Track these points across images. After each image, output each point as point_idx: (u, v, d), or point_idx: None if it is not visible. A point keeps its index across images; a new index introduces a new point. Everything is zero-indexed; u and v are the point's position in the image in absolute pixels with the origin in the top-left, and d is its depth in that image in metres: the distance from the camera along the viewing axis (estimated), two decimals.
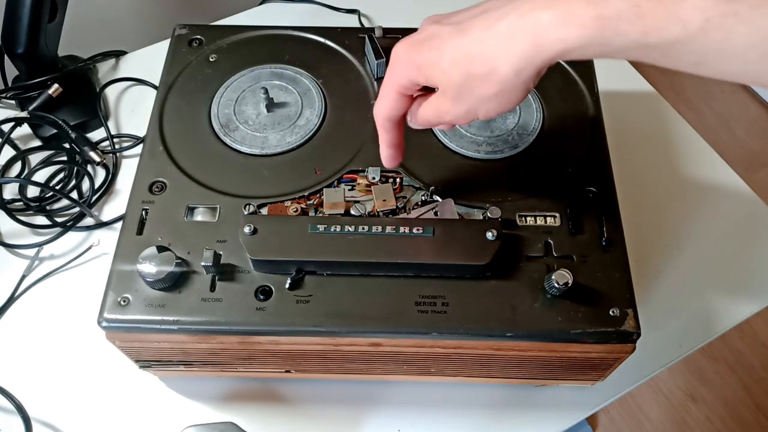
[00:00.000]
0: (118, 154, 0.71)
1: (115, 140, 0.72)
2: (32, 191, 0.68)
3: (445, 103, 0.40)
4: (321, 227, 0.47)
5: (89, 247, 0.65)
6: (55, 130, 0.70)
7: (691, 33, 0.31)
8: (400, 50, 0.41)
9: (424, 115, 0.43)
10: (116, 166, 0.70)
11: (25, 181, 0.68)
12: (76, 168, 0.69)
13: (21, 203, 0.67)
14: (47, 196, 0.67)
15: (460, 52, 0.37)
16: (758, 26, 0.30)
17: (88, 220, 0.66)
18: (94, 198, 0.67)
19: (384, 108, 0.44)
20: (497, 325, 0.46)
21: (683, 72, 0.34)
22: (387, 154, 0.47)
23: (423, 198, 0.51)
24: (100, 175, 0.70)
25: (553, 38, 0.34)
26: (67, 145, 0.70)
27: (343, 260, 0.46)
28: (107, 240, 0.65)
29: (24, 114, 0.70)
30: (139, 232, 0.49)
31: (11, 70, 0.74)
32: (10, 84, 0.75)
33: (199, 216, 0.51)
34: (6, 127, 0.69)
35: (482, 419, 0.57)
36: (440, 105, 0.41)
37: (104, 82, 0.77)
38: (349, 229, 0.47)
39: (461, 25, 0.38)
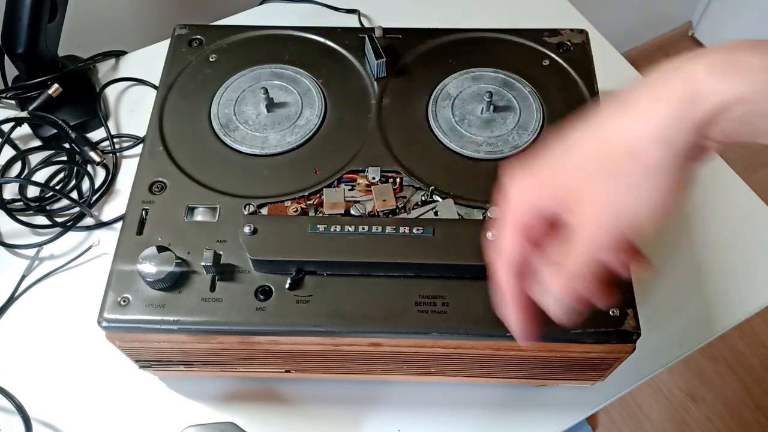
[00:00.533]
0: (118, 154, 0.71)
1: (115, 140, 0.72)
2: (32, 191, 0.68)
3: (592, 218, 0.31)
4: (321, 227, 0.47)
5: (89, 247, 0.65)
6: (55, 130, 0.70)
7: None
8: (514, 177, 0.33)
9: (577, 261, 0.32)
10: (116, 166, 0.70)
11: (25, 181, 0.68)
12: (76, 168, 0.69)
13: (21, 203, 0.67)
14: (47, 196, 0.67)
15: (590, 137, 0.31)
16: None
17: (88, 220, 0.66)
18: (94, 198, 0.67)
19: (510, 254, 0.33)
20: (497, 325, 0.46)
21: None
22: (519, 319, 0.35)
23: (423, 198, 0.51)
24: (100, 175, 0.70)
25: (708, 90, 0.28)
26: (67, 145, 0.70)
27: (343, 260, 0.46)
28: (107, 240, 0.65)
29: (24, 114, 0.70)
30: (139, 232, 0.49)
31: (11, 70, 0.74)
32: (10, 84, 0.75)
33: (199, 216, 0.51)
34: (6, 127, 0.69)
35: (482, 419, 0.57)
36: (589, 224, 0.31)
37: (104, 82, 0.77)
38: (349, 229, 0.47)
39: (590, 121, 0.31)
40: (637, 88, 0.30)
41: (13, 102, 0.74)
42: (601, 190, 0.30)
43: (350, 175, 0.52)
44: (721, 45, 0.29)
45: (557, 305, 0.33)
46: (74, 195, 0.68)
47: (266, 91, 0.56)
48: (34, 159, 0.70)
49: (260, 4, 0.86)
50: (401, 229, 0.46)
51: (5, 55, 0.71)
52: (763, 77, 0.27)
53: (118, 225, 0.63)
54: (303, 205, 0.51)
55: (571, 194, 0.31)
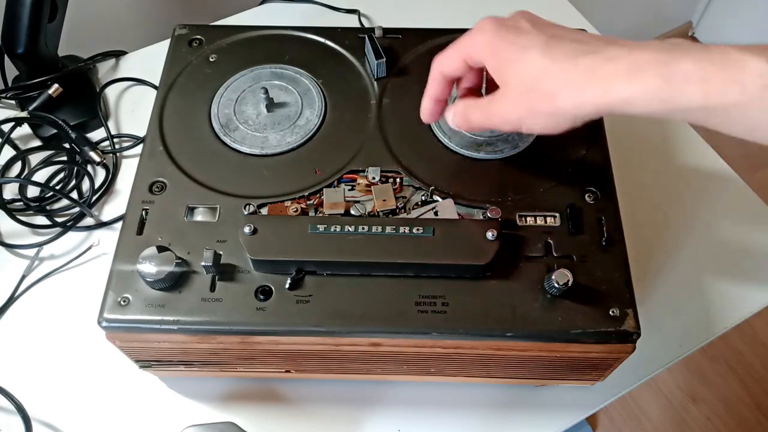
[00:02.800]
0: (118, 154, 0.71)
1: (115, 140, 0.72)
2: (32, 191, 0.68)
3: (501, 104, 0.42)
4: (321, 227, 0.47)
5: (89, 247, 0.65)
6: (55, 130, 0.70)
7: (749, 97, 0.33)
8: (488, 25, 0.41)
9: (471, 115, 0.44)
10: (116, 166, 0.70)
11: (25, 181, 0.68)
12: (76, 168, 0.69)
13: (21, 203, 0.67)
14: (47, 196, 0.67)
15: (540, 64, 0.39)
16: None
17: (88, 220, 0.66)
18: (94, 198, 0.67)
19: (446, 64, 0.45)
20: (497, 325, 0.46)
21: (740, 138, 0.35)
22: (428, 107, 0.48)
23: (423, 198, 0.51)
24: (100, 175, 0.70)
25: (620, 90, 0.36)
26: (67, 145, 0.70)
27: (343, 260, 0.46)
28: (107, 240, 0.65)
29: (24, 114, 0.70)
30: (139, 232, 0.49)
31: (11, 70, 0.74)
32: (10, 84, 0.75)
33: (199, 216, 0.51)
34: (6, 127, 0.69)
35: (482, 419, 0.57)
36: (494, 106, 0.42)
37: (104, 82, 0.77)
38: (349, 229, 0.47)
39: (552, 40, 0.39)
40: (590, 46, 0.38)
41: (13, 102, 0.74)
42: (518, 99, 0.40)
43: (350, 175, 0.52)
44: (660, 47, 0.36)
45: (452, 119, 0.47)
46: (74, 195, 0.68)
47: (266, 91, 0.56)
48: (34, 159, 0.70)
49: (260, 4, 0.86)
50: (401, 229, 0.46)
51: (5, 55, 0.71)
52: (661, 83, 0.35)
53: (118, 225, 0.63)
54: (303, 205, 0.51)
55: (501, 80, 0.41)
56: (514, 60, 0.40)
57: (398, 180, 0.52)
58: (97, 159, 0.69)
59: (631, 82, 0.36)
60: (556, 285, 0.45)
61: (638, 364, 0.58)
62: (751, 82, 0.33)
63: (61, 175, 0.69)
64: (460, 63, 0.44)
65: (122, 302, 0.46)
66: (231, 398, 0.57)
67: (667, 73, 0.35)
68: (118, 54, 0.80)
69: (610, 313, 0.46)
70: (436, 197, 0.51)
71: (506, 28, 0.41)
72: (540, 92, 0.39)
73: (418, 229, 0.46)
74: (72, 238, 0.66)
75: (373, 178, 0.52)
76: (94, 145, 0.70)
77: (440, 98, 0.48)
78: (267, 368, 0.52)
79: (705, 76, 0.34)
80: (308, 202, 0.51)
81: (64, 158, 0.70)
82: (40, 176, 0.69)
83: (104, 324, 0.46)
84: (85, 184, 0.69)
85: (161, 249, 0.46)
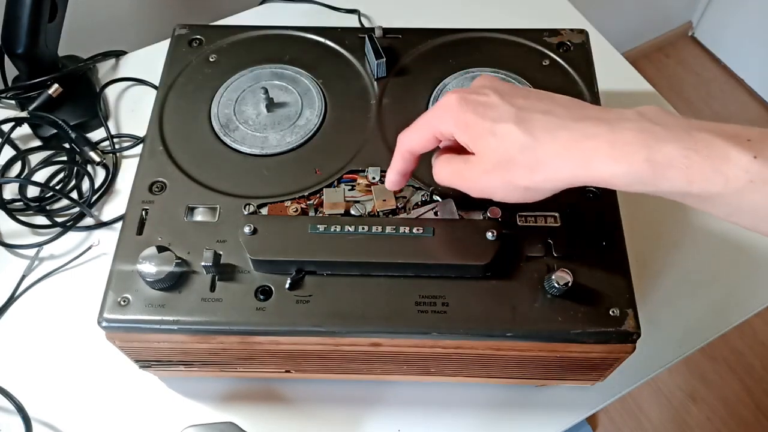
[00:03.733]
0: (118, 154, 0.71)
1: (115, 140, 0.72)
2: (32, 191, 0.68)
3: (473, 171, 0.41)
4: (321, 227, 0.47)
5: (89, 247, 0.65)
6: (55, 130, 0.70)
7: (732, 190, 0.33)
8: (453, 100, 0.41)
9: (445, 173, 0.43)
10: (116, 166, 0.70)
11: (25, 181, 0.68)
12: (76, 168, 0.69)
13: (21, 203, 0.67)
14: (47, 196, 0.67)
15: (514, 139, 0.38)
16: None
17: (88, 220, 0.66)
18: (94, 198, 0.67)
19: (412, 142, 0.44)
20: (497, 325, 0.46)
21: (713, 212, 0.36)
22: (394, 180, 0.47)
23: (423, 198, 0.51)
24: (100, 175, 0.70)
25: (604, 170, 0.35)
26: (67, 145, 0.70)
27: (343, 260, 0.46)
28: (107, 240, 0.65)
29: (24, 114, 0.70)
30: (139, 232, 0.49)
31: (11, 70, 0.74)
32: (10, 84, 0.75)
33: (199, 216, 0.51)
34: (6, 127, 0.69)
35: (482, 419, 0.57)
36: (467, 171, 0.41)
37: (104, 82, 0.77)
38: (349, 229, 0.47)
39: (523, 113, 0.38)
40: (565, 121, 0.38)
41: (13, 102, 0.74)
42: (492, 170, 0.40)
43: (350, 175, 0.52)
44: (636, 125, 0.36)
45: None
46: (74, 195, 0.68)
47: (266, 91, 0.56)
48: (34, 159, 0.70)
49: (260, 4, 0.86)
50: (401, 229, 0.46)
51: (5, 55, 0.71)
52: (645, 168, 0.34)
53: (118, 225, 0.63)
54: (303, 205, 0.51)
55: (475, 152, 0.40)
56: (487, 134, 0.39)
57: None
58: (97, 159, 0.69)
59: (613, 162, 0.35)
60: (556, 285, 0.45)
61: (638, 364, 0.58)
62: (735, 178, 0.33)
63: (61, 175, 0.69)
64: (428, 141, 0.43)
65: (122, 302, 0.46)
66: (231, 398, 0.57)
67: (651, 157, 0.34)
68: (118, 54, 0.80)
69: (610, 313, 0.46)
70: (436, 197, 0.51)
71: (473, 102, 0.40)
72: (517, 166, 0.38)
73: (418, 229, 0.46)
74: (72, 238, 0.66)
75: (373, 178, 0.52)
76: (94, 145, 0.70)
77: (407, 172, 0.47)
78: (267, 368, 0.52)
79: (689, 164, 0.34)
80: (308, 202, 0.51)
81: (64, 158, 0.70)
82: (40, 176, 0.69)
83: (104, 324, 0.46)
84: (85, 184, 0.69)
85: (161, 249, 0.46)
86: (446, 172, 0.43)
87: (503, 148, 0.38)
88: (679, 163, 0.34)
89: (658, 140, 0.34)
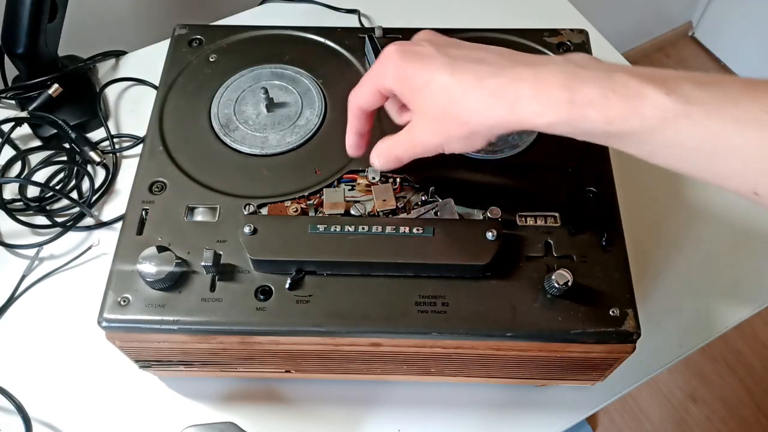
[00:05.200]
0: (118, 154, 0.71)
1: (115, 140, 0.72)
2: (32, 191, 0.68)
3: (420, 134, 0.42)
4: (321, 227, 0.47)
5: (89, 247, 0.65)
6: (55, 130, 0.70)
7: (648, 127, 0.34)
8: (392, 52, 0.42)
9: (396, 151, 0.44)
10: (116, 166, 0.70)
11: (25, 181, 0.68)
12: (76, 168, 0.69)
13: (21, 203, 0.67)
14: (47, 196, 0.67)
15: (446, 91, 0.39)
16: (707, 131, 0.33)
17: (88, 220, 0.66)
18: (94, 198, 0.67)
19: (361, 98, 0.45)
20: (497, 325, 0.46)
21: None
22: (352, 142, 0.48)
23: (423, 198, 0.51)
24: (100, 175, 0.70)
25: (528, 112, 0.37)
26: (67, 145, 0.70)
27: (343, 260, 0.46)
28: (107, 240, 0.65)
29: (24, 114, 0.70)
30: (139, 232, 0.49)
31: (11, 70, 0.74)
32: (10, 84, 0.75)
33: (199, 216, 0.51)
34: (6, 127, 0.69)
35: (482, 419, 0.57)
36: (415, 138, 0.43)
37: (104, 82, 0.77)
38: (349, 229, 0.47)
39: (456, 63, 0.39)
40: (494, 68, 0.39)
41: (13, 102, 0.74)
42: (433, 126, 0.41)
43: (350, 175, 0.52)
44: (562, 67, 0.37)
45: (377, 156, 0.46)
46: (74, 195, 0.68)
47: (266, 91, 0.56)
48: (34, 159, 0.70)
49: (260, 4, 0.86)
50: (401, 229, 0.46)
51: (5, 55, 0.71)
52: (567, 109, 0.36)
53: (118, 225, 0.63)
54: (303, 205, 0.51)
55: (413, 107, 0.42)
56: (423, 86, 0.40)
57: (398, 180, 0.52)
58: (97, 159, 0.69)
59: (537, 104, 0.36)
60: (556, 285, 0.45)
61: (638, 364, 0.58)
62: (650, 115, 0.34)
63: (61, 175, 0.69)
64: (374, 95, 0.44)
65: (122, 302, 0.46)
66: (231, 398, 0.57)
67: (572, 99, 0.35)
68: (118, 54, 0.80)
69: (610, 313, 0.46)
70: (436, 197, 0.51)
71: (410, 52, 0.41)
72: (452, 117, 0.39)
73: (418, 229, 0.46)
74: (72, 238, 0.66)
75: (373, 178, 0.52)
76: (94, 145, 0.70)
77: (363, 132, 0.48)
78: (267, 368, 0.52)
79: (608, 104, 0.35)
80: (308, 202, 0.51)
81: (64, 158, 0.70)
82: (40, 176, 0.69)
83: (104, 324, 0.46)
84: (85, 184, 0.69)
85: (161, 249, 0.46)
86: (398, 150, 0.44)
87: (438, 101, 0.40)
88: (597, 104, 0.35)
89: (580, 82, 0.36)
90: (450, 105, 0.39)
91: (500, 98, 0.38)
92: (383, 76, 0.42)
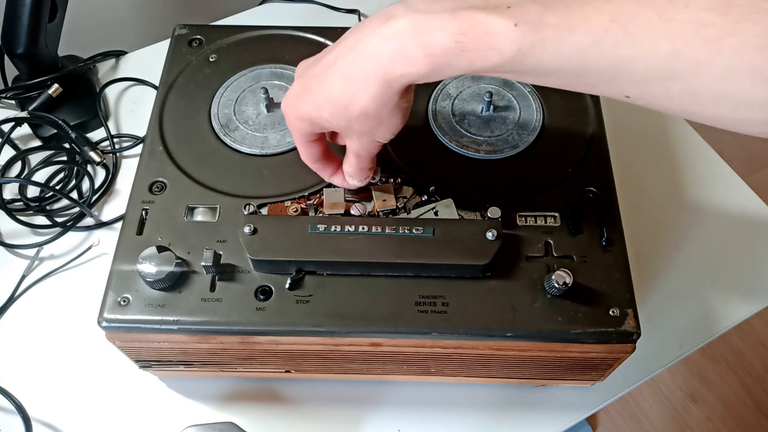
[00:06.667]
0: (118, 154, 0.71)
1: (115, 140, 0.72)
2: (32, 191, 0.68)
3: (353, 143, 0.44)
4: (321, 227, 0.47)
5: (89, 247, 0.65)
6: (55, 130, 0.70)
7: (508, 59, 0.35)
8: (286, 109, 0.44)
9: (350, 168, 0.46)
10: (116, 166, 0.70)
11: (25, 181, 0.68)
12: (76, 168, 0.69)
13: (21, 203, 0.67)
14: (47, 196, 0.67)
15: (331, 103, 0.40)
16: (563, 50, 0.34)
17: (88, 220, 0.66)
18: (94, 198, 0.67)
19: (307, 156, 0.47)
20: (497, 325, 0.46)
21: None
22: (341, 180, 0.49)
23: (423, 198, 0.51)
24: (100, 175, 0.70)
25: (397, 73, 0.37)
26: (67, 145, 0.70)
27: (343, 260, 0.46)
28: (107, 240, 0.65)
29: (24, 114, 0.70)
30: (139, 232, 0.49)
31: (11, 70, 0.74)
32: (10, 84, 0.75)
33: (199, 216, 0.51)
34: (6, 127, 0.69)
35: (482, 419, 0.57)
36: (353, 147, 0.44)
37: (104, 82, 0.77)
38: (349, 229, 0.47)
39: (321, 77, 0.40)
40: (350, 57, 0.39)
41: (13, 102, 0.74)
42: (349, 135, 0.43)
43: None
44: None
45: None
46: (74, 195, 0.68)
47: (266, 91, 0.56)
48: (34, 159, 0.70)
49: (260, 4, 0.86)
50: (401, 229, 0.46)
51: (5, 55, 0.71)
52: (428, 62, 0.35)
53: (118, 225, 0.63)
54: (303, 205, 0.51)
55: (332, 130, 0.44)
56: (318, 113, 0.41)
57: (398, 180, 0.52)
58: (97, 159, 0.69)
59: (400, 65, 0.36)
60: (556, 285, 0.45)
61: (638, 364, 0.58)
62: (506, 49, 0.34)
63: (61, 175, 0.69)
64: (312, 145, 0.46)
65: (122, 302, 0.46)
66: (231, 398, 0.57)
67: (429, 52, 0.35)
68: (118, 54, 0.80)
69: (610, 313, 0.46)
70: (436, 197, 0.51)
71: (295, 96, 0.42)
72: (353, 119, 0.40)
73: (418, 229, 0.46)
74: (72, 238, 0.66)
75: (374, 178, 0.52)
76: (94, 145, 0.70)
77: (335, 168, 0.48)
78: (267, 368, 0.52)
79: (464, 48, 0.35)
80: (308, 202, 0.51)
81: (64, 158, 0.70)
82: (40, 176, 0.69)
83: (104, 324, 0.46)
84: (85, 184, 0.69)
85: (161, 249, 0.46)
86: (353, 165, 0.46)
87: (335, 114, 0.40)
88: (454, 51, 0.35)
89: (429, 31, 0.35)
90: (341, 110, 0.40)
91: (369, 75, 0.37)
92: (296, 129, 0.44)
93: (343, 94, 0.39)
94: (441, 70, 0.36)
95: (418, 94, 0.58)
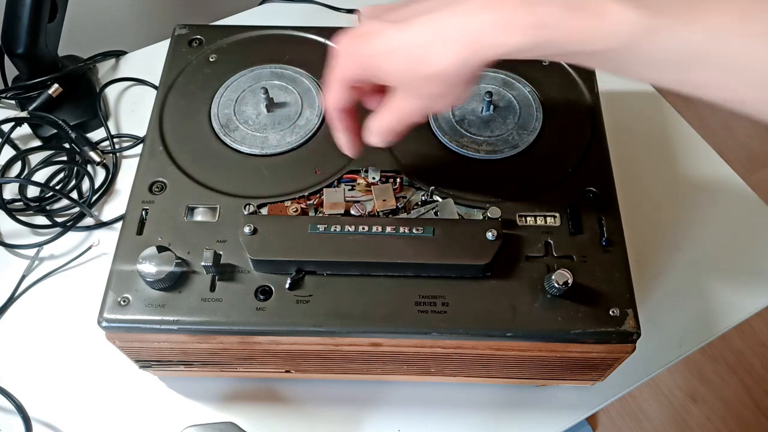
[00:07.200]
0: (118, 154, 0.71)
1: (115, 140, 0.72)
2: (32, 191, 0.68)
3: (404, 102, 0.41)
4: (321, 227, 0.47)
5: (89, 247, 0.65)
6: (55, 130, 0.70)
7: (622, 42, 0.33)
8: (343, 44, 0.41)
9: (385, 123, 0.42)
10: (116, 166, 0.70)
11: (25, 181, 0.68)
12: (76, 168, 0.69)
13: (21, 203, 0.67)
14: (47, 196, 0.67)
15: (405, 53, 0.37)
16: (680, 40, 0.32)
17: (88, 220, 0.66)
18: (94, 198, 0.67)
19: (335, 99, 0.44)
20: (497, 325, 0.46)
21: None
22: (346, 140, 0.47)
23: (423, 198, 0.51)
24: (100, 175, 0.70)
25: (492, 42, 0.35)
26: (67, 145, 0.70)
27: (343, 260, 0.46)
28: (107, 240, 0.65)
29: (24, 114, 0.70)
30: (139, 232, 0.49)
31: (11, 70, 0.74)
32: (10, 84, 0.75)
33: (199, 216, 0.51)
34: (6, 127, 0.69)
35: (482, 419, 0.57)
36: (401, 105, 0.41)
37: (104, 82, 0.77)
38: (349, 229, 0.47)
39: (404, 23, 0.38)
40: (443, 11, 0.36)
41: (13, 102, 0.74)
42: (404, 92, 0.40)
43: (350, 175, 0.52)
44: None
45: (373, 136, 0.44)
46: (74, 195, 0.68)
47: (266, 91, 0.56)
48: (34, 159, 0.70)
49: (260, 4, 0.86)
50: (401, 229, 0.46)
51: (5, 55, 0.71)
52: (532, 33, 0.34)
53: (118, 225, 0.63)
54: (303, 205, 0.51)
55: (386, 82, 0.40)
56: (383, 59, 0.38)
57: (398, 180, 0.52)
58: (97, 159, 0.69)
59: (500, 33, 0.34)
60: (556, 285, 0.45)
61: (638, 364, 0.58)
62: (621, 31, 0.32)
63: (61, 175, 0.69)
64: (346, 91, 0.43)
65: (122, 302, 0.46)
66: (231, 398, 0.57)
67: (536, 22, 0.33)
68: (118, 54, 0.80)
69: (610, 313, 0.46)
70: (436, 197, 0.51)
71: (359, 35, 0.40)
72: (420, 76, 0.37)
73: (418, 229, 0.46)
74: (72, 238, 0.66)
75: (373, 178, 0.52)
76: (94, 145, 0.70)
77: (350, 127, 0.46)
78: (267, 368, 0.52)
79: (575, 25, 0.33)
80: (308, 202, 0.51)
81: (64, 158, 0.70)
82: (40, 176, 0.69)
83: (104, 324, 0.46)
84: (85, 184, 0.69)
85: (161, 249, 0.46)
86: (386, 120, 0.42)
87: (401, 65, 0.38)
88: (564, 25, 0.33)
89: (539, 3, 0.34)
90: (414, 65, 0.37)
91: (459, 36, 0.35)
92: (345, 68, 0.41)
93: (424, 48, 0.37)
94: (541, 47, 0.34)
95: None
